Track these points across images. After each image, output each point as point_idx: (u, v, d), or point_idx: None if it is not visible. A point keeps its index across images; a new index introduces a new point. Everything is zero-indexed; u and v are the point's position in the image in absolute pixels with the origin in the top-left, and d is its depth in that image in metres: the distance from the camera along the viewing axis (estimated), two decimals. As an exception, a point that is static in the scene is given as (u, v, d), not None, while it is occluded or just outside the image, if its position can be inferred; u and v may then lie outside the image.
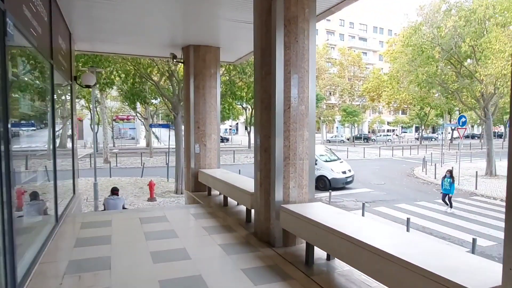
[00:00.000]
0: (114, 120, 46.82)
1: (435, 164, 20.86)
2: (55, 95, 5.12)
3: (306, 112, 4.42)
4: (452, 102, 24.22)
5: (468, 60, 18.99)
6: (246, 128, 67.11)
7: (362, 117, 53.07)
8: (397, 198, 14.03)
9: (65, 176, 6.62)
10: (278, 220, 4.35)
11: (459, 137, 18.22)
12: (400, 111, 71.67)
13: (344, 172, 16.42)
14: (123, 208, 7.58)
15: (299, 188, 4.50)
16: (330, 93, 54.38)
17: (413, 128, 76.12)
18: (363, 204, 10.86)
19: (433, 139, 62.03)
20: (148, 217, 5.79)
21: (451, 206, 12.29)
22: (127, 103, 24.30)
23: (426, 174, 20.47)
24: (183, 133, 10.04)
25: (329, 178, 15.71)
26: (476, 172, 17.58)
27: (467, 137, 62.91)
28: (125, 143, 49.69)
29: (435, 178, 18.95)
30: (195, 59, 7.85)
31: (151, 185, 12.58)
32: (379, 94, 45.83)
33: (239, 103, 21.96)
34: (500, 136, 57.95)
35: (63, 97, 6.61)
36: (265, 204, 4.58)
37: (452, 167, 14.82)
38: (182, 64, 8.47)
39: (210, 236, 4.81)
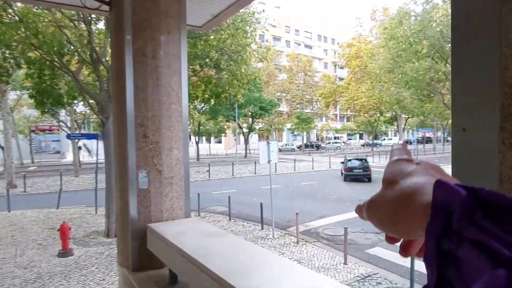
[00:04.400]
0: (33, 131, 39.44)
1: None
2: None
3: None
4: (428, 105, 22.51)
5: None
6: (190, 138, 62.23)
7: (315, 124, 51.41)
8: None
9: None
10: None
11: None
12: (345, 119, 72.28)
13: None
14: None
15: None
16: (278, 99, 52.02)
17: (358, 135, 77.17)
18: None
19: (378, 146, 62.53)
20: None
21: None
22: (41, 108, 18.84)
23: (410, 186, 17.97)
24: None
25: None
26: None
27: (408, 142, 64.47)
28: (48, 158, 42.40)
29: (424, 191, 16.47)
30: (135, -4, 3.79)
31: (63, 231, 7.91)
32: (335, 100, 44.42)
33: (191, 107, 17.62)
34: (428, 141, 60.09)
35: None
36: None
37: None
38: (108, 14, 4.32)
39: None
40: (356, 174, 19.85)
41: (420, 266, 7.10)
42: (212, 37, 10.39)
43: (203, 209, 12.83)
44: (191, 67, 12.26)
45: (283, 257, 3.12)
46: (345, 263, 7.43)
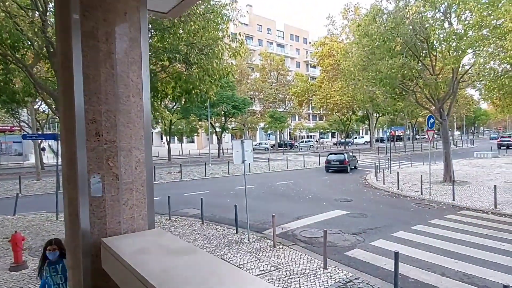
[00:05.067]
0: (-9, 132, 37.04)
1: (398, 172, 18.58)
2: None
3: None
4: (399, 103, 22.78)
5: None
6: (162, 138, 60.59)
7: (288, 123, 51.42)
8: (385, 223, 10.75)
9: None
10: None
11: (428, 140, 16.01)
12: (318, 117, 73.02)
13: None
14: None
15: None
16: (251, 98, 51.57)
17: (330, 134, 78.19)
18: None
19: (350, 144, 63.53)
20: None
21: None
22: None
23: (384, 184, 18.04)
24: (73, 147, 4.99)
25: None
26: (420, 177, 15.48)
27: (378, 140, 66.00)
28: (9, 160, 39.94)
29: (398, 188, 16.53)
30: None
31: (14, 242, 7.08)
32: (308, 99, 44.57)
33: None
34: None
35: None
36: None
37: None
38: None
39: None
40: (334, 166, 23.46)
41: (406, 270, 6.83)
42: (181, 30, 9.77)
43: (174, 212, 12.18)
44: (160, 63, 11.58)
45: (263, 280, 2.65)
46: (324, 268, 7.07)
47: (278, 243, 8.71)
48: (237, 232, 9.75)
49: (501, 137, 45.74)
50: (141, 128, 3.52)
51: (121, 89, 3.36)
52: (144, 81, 3.57)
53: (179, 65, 11.21)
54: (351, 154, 25.51)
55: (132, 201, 3.46)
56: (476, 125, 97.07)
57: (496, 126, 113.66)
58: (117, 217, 3.37)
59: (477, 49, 14.78)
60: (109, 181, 3.32)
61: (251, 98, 47.89)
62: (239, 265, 7.32)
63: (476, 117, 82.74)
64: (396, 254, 5.86)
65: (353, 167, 24.52)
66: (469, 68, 16.32)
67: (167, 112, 27.31)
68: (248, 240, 9.01)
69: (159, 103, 13.51)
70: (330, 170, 23.55)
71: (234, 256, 7.90)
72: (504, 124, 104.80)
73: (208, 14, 9.50)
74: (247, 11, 61.43)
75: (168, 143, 35.34)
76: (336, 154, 24.56)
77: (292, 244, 8.71)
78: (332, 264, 7.30)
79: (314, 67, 72.60)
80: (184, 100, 11.87)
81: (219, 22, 9.70)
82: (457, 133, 75.15)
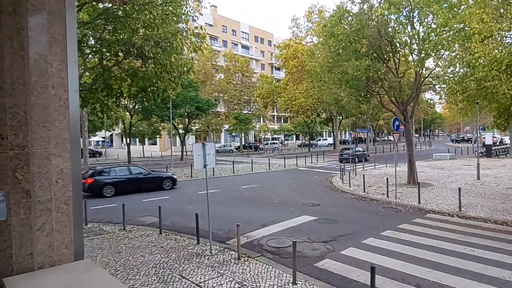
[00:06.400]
0: None
1: (364, 175, 18.49)
2: None
3: None
4: (363, 106, 22.89)
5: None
6: (122, 140, 57.94)
7: (253, 125, 50.94)
8: (354, 228, 10.37)
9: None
10: None
11: (394, 142, 16.01)
12: (282, 120, 73.32)
13: None
14: None
15: None
16: (216, 100, 50.65)
17: (294, 136, 78.76)
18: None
19: (314, 146, 64.24)
20: None
21: None
22: None
23: (350, 186, 17.90)
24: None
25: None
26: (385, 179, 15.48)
27: (341, 142, 67.27)
28: None
29: (364, 191, 16.41)
30: None
31: None
32: (273, 100, 44.31)
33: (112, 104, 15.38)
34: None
35: None
36: None
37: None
38: None
39: None
40: (345, 158, 30.79)
41: (380, 282, 6.37)
42: (137, 22, 8.82)
43: (129, 221, 11.14)
44: (114, 58, 10.53)
45: None
46: (294, 283, 6.47)
47: (243, 254, 8.02)
48: (198, 243, 8.95)
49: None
50: (65, 129, 2.70)
51: (35, 77, 2.56)
52: (70, 68, 2.76)
53: (135, 60, 10.24)
54: (360, 149, 33.63)
55: (50, 225, 2.65)
56: (431, 128, 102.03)
57: (450, 129, 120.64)
58: (28, 248, 2.56)
59: (438, 53, 14.98)
60: (16, 200, 2.51)
61: (215, 100, 46.93)
62: (200, 282, 6.56)
63: (432, 120, 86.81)
64: (373, 269, 5.36)
65: (362, 159, 31.92)
66: (431, 71, 16.55)
67: (124, 112, 25.77)
68: (210, 252, 8.25)
69: (114, 101, 12.37)
70: (343, 161, 30.23)
71: (194, 271, 7.11)
72: (457, 127, 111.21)
73: (167, 6, 8.63)
74: (209, 6, 60.45)
75: (128, 145, 33.54)
76: (347, 149, 32.42)
77: (258, 256, 8.05)
78: (302, 278, 6.72)
79: (279, 69, 72.90)
80: (140, 98, 10.88)
81: (178, 13, 8.82)
82: (415, 135, 78.51)
